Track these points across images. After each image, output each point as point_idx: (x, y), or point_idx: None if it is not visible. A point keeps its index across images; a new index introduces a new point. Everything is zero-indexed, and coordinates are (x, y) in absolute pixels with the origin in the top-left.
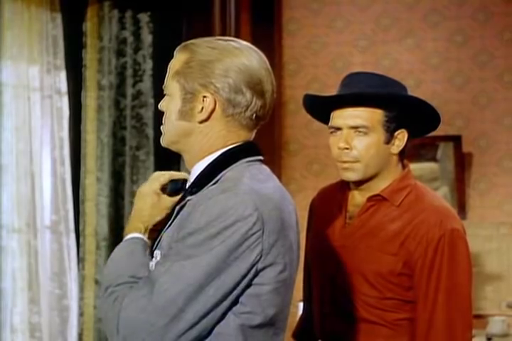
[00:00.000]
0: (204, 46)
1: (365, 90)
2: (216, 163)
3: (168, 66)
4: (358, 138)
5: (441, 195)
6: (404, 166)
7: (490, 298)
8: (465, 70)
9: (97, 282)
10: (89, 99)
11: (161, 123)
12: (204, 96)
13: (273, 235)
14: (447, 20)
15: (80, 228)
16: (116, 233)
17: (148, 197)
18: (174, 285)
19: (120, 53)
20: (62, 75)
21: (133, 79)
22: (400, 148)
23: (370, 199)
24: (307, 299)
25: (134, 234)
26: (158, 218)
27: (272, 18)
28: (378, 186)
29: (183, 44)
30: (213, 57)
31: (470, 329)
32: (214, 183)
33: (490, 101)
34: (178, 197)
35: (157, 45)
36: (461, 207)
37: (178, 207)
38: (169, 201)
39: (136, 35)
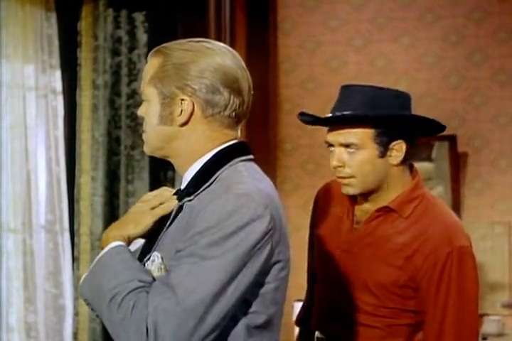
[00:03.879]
0: (177, 49)
1: (356, 109)
2: (211, 164)
3: (143, 72)
4: (350, 155)
5: (435, 195)
6: (413, 174)
7: (485, 297)
8: (460, 69)
9: None
10: (84, 98)
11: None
12: (182, 99)
13: (278, 233)
14: (442, 20)
15: (75, 227)
16: None
17: (136, 215)
18: (200, 287)
19: (115, 52)
20: (57, 74)
21: (128, 79)
22: (400, 159)
23: (378, 210)
24: (310, 292)
25: (116, 242)
26: (136, 232)
27: (266, 16)
28: (386, 198)
29: (155, 49)
30: (187, 59)
31: None
32: (211, 183)
33: (485, 100)
34: (160, 215)
35: (152, 45)
36: (456, 207)
37: (176, 209)
38: (151, 218)
39: (131, 34)
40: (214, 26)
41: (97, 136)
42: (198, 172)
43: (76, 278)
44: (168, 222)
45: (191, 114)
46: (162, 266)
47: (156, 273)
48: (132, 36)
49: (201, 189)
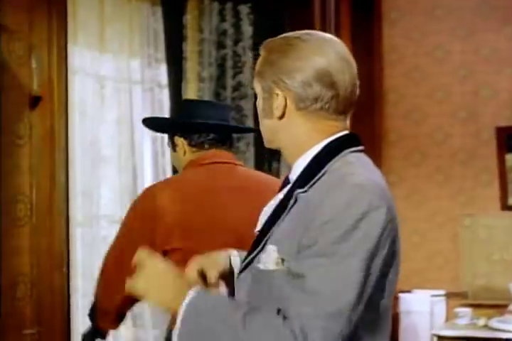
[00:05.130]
0: (275, 44)
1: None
2: (321, 155)
3: None
4: None
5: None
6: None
7: None
8: None
9: None
10: (190, 91)
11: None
12: (276, 94)
13: (393, 222)
14: None
15: None
16: None
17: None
18: (340, 289)
19: (220, 45)
20: (163, 68)
21: (233, 71)
22: (182, 151)
23: None
24: None
25: (190, 294)
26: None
27: (371, 7)
28: None
29: (263, 43)
30: (281, 53)
31: None
32: (322, 175)
33: None
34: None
35: (257, 37)
36: None
37: (291, 202)
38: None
39: (237, 26)
40: (319, 17)
41: None
42: (308, 163)
43: None
44: (283, 215)
45: (285, 107)
46: (279, 260)
47: (272, 267)
48: (237, 29)
49: (313, 180)
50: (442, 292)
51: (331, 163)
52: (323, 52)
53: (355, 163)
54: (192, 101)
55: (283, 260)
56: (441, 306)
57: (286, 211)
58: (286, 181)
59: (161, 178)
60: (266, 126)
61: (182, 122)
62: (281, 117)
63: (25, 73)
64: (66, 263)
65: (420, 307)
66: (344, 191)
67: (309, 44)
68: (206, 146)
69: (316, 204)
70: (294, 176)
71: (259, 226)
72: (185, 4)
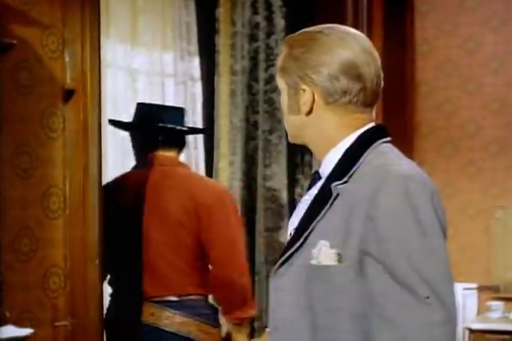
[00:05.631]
0: (297, 39)
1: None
2: (355, 148)
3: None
4: None
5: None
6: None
7: None
8: None
9: None
10: (223, 84)
11: None
12: (303, 89)
13: (443, 208)
14: None
15: None
16: (249, 216)
17: None
18: (439, 279)
19: (253, 38)
20: (196, 61)
21: (265, 64)
22: (136, 151)
23: None
24: None
25: None
26: None
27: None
28: None
29: (284, 39)
30: (305, 48)
31: None
32: (358, 167)
33: None
34: None
35: (289, 29)
36: None
37: (333, 195)
38: None
39: (269, 19)
40: (351, 9)
41: (235, 121)
42: (342, 156)
43: None
44: (324, 209)
45: (313, 102)
46: (335, 255)
47: (327, 262)
48: (270, 21)
49: (350, 172)
50: (474, 285)
51: (366, 154)
52: (347, 45)
53: (389, 153)
54: (146, 104)
55: (339, 254)
56: (472, 299)
57: (328, 205)
58: (316, 176)
59: (194, 170)
60: (291, 122)
61: (131, 124)
62: (309, 113)
63: (59, 67)
64: (99, 255)
65: None
66: (394, 183)
67: (332, 37)
68: (153, 147)
69: (367, 198)
70: (325, 170)
71: (295, 223)
72: None
